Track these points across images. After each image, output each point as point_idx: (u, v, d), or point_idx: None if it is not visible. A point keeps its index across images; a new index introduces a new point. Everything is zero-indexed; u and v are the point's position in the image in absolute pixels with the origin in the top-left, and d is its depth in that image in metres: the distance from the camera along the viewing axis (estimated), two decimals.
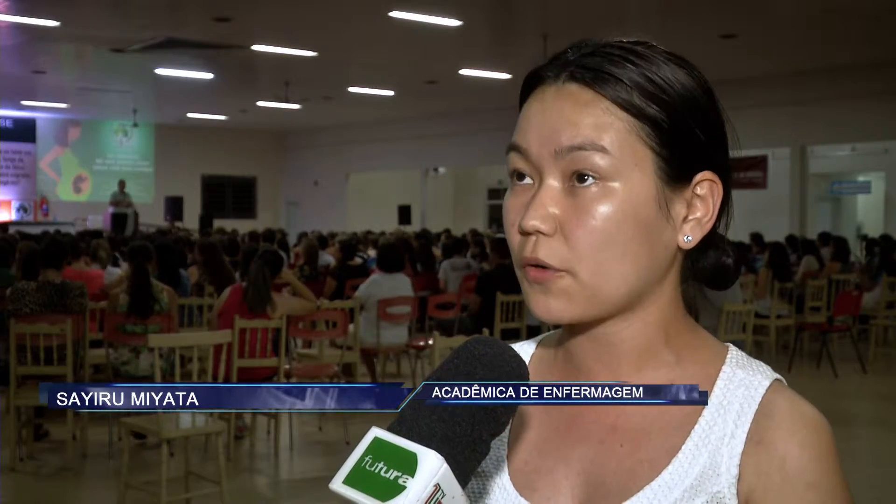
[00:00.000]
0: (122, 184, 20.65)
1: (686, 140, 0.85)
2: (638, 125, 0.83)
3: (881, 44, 13.05)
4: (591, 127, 0.83)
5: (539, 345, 1.00)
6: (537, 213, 0.83)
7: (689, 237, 0.87)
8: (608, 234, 0.82)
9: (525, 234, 0.84)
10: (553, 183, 0.84)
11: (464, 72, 15.64)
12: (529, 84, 0.90)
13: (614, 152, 0.82)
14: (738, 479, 0.83)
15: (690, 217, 0.87)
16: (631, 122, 0.83)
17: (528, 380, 0.77)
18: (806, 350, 10.09)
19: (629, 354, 0.89)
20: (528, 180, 0.87)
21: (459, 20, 11.88)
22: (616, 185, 0.83)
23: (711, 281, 0.94)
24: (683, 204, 0.86)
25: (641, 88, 0.84)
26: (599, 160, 0.82)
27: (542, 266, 0.84)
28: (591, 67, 0.85)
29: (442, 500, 0.68)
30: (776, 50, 13.57)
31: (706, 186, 0.87)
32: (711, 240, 0.92)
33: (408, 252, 9.90)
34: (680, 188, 0.86)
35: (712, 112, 0.88)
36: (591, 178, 0.83)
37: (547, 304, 0.85)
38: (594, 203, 0.82)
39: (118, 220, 19.18)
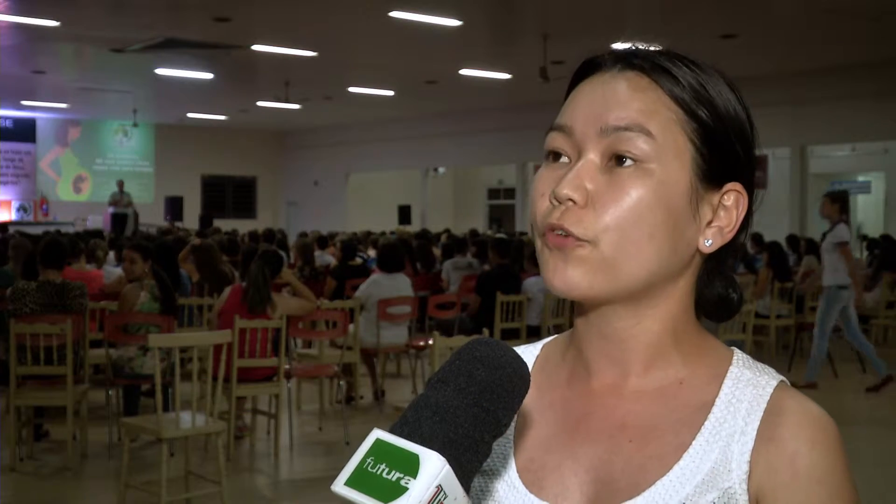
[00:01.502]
0: (121, 184, 20.67)
1: (725, 147, 0.88)
2: (685, 119, 0.86)
3: (881, 44, 13.05)
4: (640, 111, 0.85)
5: (546, 346, 1.01)
6: (572, 182, 0.84)
7: (709, 241, 0.88)
8: (639, 214, 0.83)
9: (556, 202, 0.85)
10: (593, 158, 0.85)
11: (464, 72, 15.64)
12: (584, 69, 0.92)
13: (658, 138, 0.84)
14: (749, 476, 0.83)
15: (714, 223, 0.89)
16: (679, 114, 0.86)
17: (528, 381, 0.77)
18: (806, 350, 10.07)
19: (638, 352, 0.90)
20: (564, 160, 0.88)
21: (459, 20, 11.87)
22: (654, 167, 0.84)
23: (712, 311, 0.96)
24: (710, 208, 0.88)
25: (694, 91, 0.87)
26: (643, 144, 0.84)
27: (564, 234, 0.84)
28: (649, 59, 0.88)
29: (444, 502, 0.68)
30: (776, 50, 13.57)
31: (733, 197, 0.89)
32: (721, 271, 0.94)
33: (408, 252, 9.90)
34: (710, 191, 0.88)
35: (751, 139, 0.91)
36: (630, 161, 0.84)
37: (564, 274, 0.85)
38: (630, 182, 0.84)
39: (118, 220, 19.20)
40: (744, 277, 10.02)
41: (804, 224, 16.02)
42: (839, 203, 7.86)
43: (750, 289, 9.85)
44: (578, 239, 0.84)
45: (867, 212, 21.53)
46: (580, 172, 0.84)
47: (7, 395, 5.62)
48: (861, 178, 21.26)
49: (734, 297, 0.95)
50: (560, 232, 0.84)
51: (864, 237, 18.89)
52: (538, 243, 0.88)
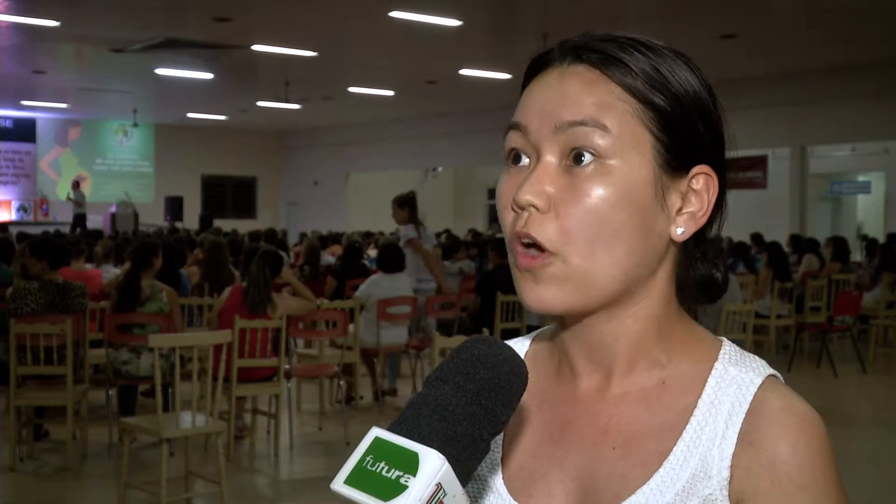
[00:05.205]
0: (76, 184, 20.91)
1: (687, 131, 0.85)
2: (641, 109, 0.83)
3: (881, 44, 13.05)
4: (594, 105, 0.82)
5: (533, 341, 0.99)
6: (532, 188, 0.82)
7: (681, 229, 0.86)
8: (602, 215, 0.81)
9: (519, 209, 0.83)
10: (550, 159, 0.83)
11: (464, 72, 15.64)
12: (534, 67, 0.90)
13: (614, 132, 0.82)
14: (730, 481, 0.81)
15: (685, 210, 0.86)
16: (634, 105, 0.83)
17: (526, 379, 0.77)
18: (806, 350, 10.09)
19: (621, 353, 0.88)
20: (524, 161, 0.86)
21: (459, 20, 11.87)
22: (614, 163, 0.82)
23: (699, 294, 0.92)
24: (678, 195, 0.85)
25: (648, 76, 0.84)
26: (599, 139, 0.81)
27: (531, 245, 0.82)
28: (598, 50, 0.85)
29: (443, 500, 0.68)
30: (776, 50, 13.57)
31: (702, 181, 0.86)
32: (704, 253, 0.91)
33: None
34: (676, 178, 0.85)
35: (714, 113, 0.87)
36: (588, 157, 0.82)
37: (537, 294, 0.83)
38: (590, 182, 0.81)
39: (78, 220, 19.47)
40: (744, 277, 10.03)
41: (804, 224, 16.01)
42: (407, 208, 8.24)
43: (750, 289, 9.85)
44: (544, 250, 0.82)
45: (867, 212, 21.53)
46: (539, 176, 0.82)
47: (7, 395, 5.62)
48: (861, 178, 21.25)
49: (718, 276, 0.92)
50: (526, 240, 0.82)
51: (864, 237, 18.89)
52: (511, 260, 0.86)
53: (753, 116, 14.16)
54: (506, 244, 0.87)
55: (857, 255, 15.80)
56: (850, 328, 9.77)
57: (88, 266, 8.97)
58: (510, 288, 7.95)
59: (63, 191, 24.26)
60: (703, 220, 0.87)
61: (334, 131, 24.39)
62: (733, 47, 12.92)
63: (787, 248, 12.09)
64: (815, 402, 0.85)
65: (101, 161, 24.91)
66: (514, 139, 0.86)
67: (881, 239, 15.11)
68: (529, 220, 0.82)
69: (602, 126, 0.82)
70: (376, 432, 0.71)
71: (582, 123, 0.82)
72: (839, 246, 11.72)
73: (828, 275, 10.75)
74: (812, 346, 10.21)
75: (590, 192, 0.81)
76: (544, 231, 0.82)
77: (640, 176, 0.82)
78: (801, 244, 12.74)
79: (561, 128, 0.83)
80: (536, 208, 0.82)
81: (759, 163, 16.82)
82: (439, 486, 0.67)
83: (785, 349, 10.03)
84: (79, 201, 20.43)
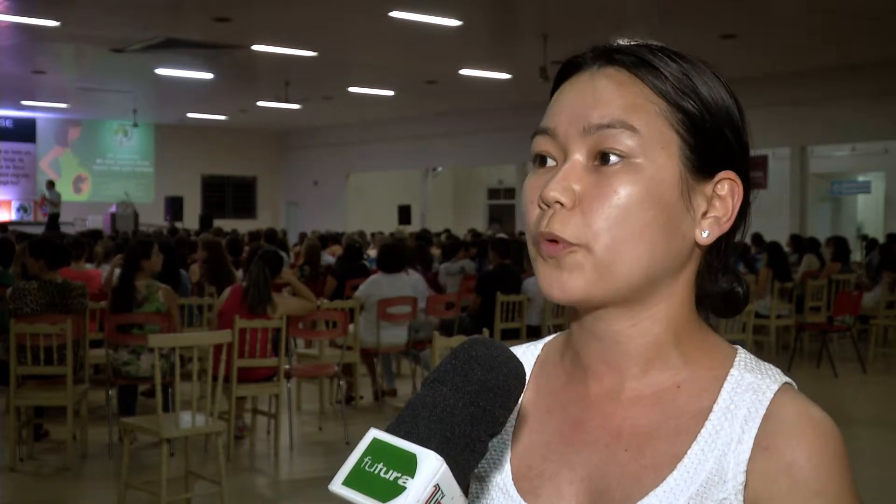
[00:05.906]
0: (50, 183, 20.99)
1: (714, 135, 0.85)
2: (669, 111, 0.84)
3: (881, 44, 13.05)
4: (622, 107, 0.83)
5: (546, 345, 0.99)
6: (559, 184, 0.82)
7: (706, 232, 0.86)
8: (628, 212, 0.81)
9: (545, 206, 0.83)
10: (578, 158, 0.84)
11: (464, 72, 15.64)
12: (565, 71, 0.90)
13: (642, 131, 0.82)
14: (745, 486, 0.81)
15: (710, 214, 0.86)
16: (663, 106, 0.84)
17: (524, 380, 0.77)
18: (806, 350, 10.09)
19: (636, 355, 0.87)
20: (551, 163, 0.86)
21: (459, 20, 11.88)
22: (641, 162, 0.82)
23: (721, 307, 0.93)
24: (704, 199, 0.86)
25: (678, 81, 0.84)
26: (627, 139, 0.82)
27: (556, 240, 0.83)
28: (630, 53, 0.86)
29: (441, 501, 0.68)
30: (776, 50, 13.57)
31: (727, 186, 0.86)
32: (724, 265, 0.92)
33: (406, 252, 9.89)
34: (702, 182, 0.85)
35: (740, 127, 0.89)
36: (616, 158, 0.82)
37: (560, 280, 0.83)
38: (617, 179, 0.82)
39: (53, 220, 19.44)
40: (744, 277, 10.01)
41: (804, 224, 16.01)
42: None
43: (750, 289, 9.84)
44: (569, 244, 0.82)
45: (867, 212, 21.53)
46: (567, 174, 0.83)
47: (7, 395, 5.62)
48: (861, 178, 21.25)
49: (740, 291, 0.93)
50: (551, 239, 0.83)
51: (864, 237, 18.89)
52: (532, 252, 0.86)
53: (753, 116, 13.64)
54: (528, 239, 0.87)
55: (857, 255, 15.80)
56: (850, 328, 9.77)
57: (88, 266, 8.97)
58: (510, 288, 8.01)
59: (64, 190, 24.29)
60: (728, 226, 0.87)
61: (334, 131, 24.39)
62: (733, 47, 12.92)
63: (787, 248, 12.09)
64: (814, 402, 0.85)
65: (101, 161, 24.92)
66: (541, 143, 0.87)
67: (881, 239, 15.11)
68: (554, 218, 0.83)
69: (630, 127, 0.82)
70: (374, 433, 0.71)
71: (610, 126, 0.82)
72: (839, 246, 11.72)
73: (828, 275, 10.75)
74: (812, 346, 10.20)
75: (617, 189, 0.82)
76: (569, 228, 0.82)
77: (667, 174, 0.83)
78: (802, 244, 12.73)
79: (589, 130, 0.83)
80: (562, 205, 0.82)
81: (760, 163, 16.80)
82: (437, 488, 0.67)
83: (785, 349, 10.03)
84: (54, 200, 20.43)
